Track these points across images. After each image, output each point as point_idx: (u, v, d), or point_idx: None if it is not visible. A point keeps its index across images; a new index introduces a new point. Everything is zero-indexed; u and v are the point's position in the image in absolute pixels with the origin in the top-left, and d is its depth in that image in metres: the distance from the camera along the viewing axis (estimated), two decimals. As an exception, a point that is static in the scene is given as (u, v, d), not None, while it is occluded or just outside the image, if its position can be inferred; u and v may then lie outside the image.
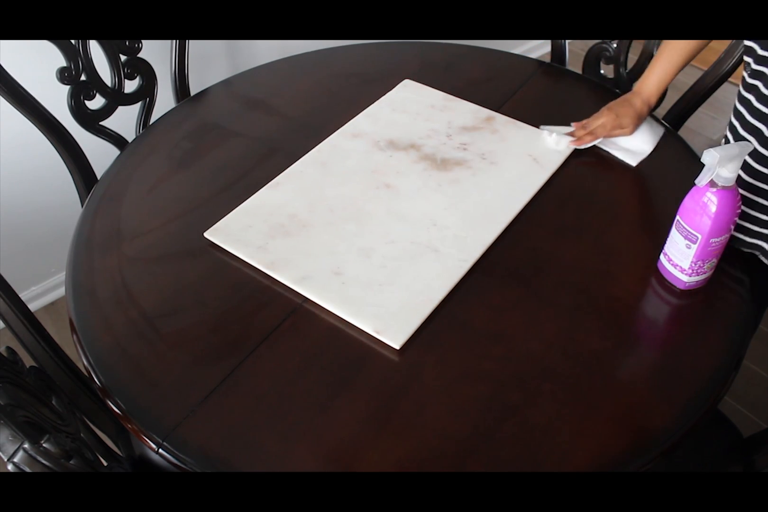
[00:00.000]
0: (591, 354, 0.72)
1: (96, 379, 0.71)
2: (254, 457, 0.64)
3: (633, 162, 0.93)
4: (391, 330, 0.73)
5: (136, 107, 1.15)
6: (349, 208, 0.87)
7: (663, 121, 1.04)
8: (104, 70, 1.08)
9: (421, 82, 1.09)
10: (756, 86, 0.75)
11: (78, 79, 1.04)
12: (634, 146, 0.95)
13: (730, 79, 1.07)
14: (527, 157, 0.95)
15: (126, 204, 0.91)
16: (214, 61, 1.49)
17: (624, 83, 1.19)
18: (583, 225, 0.86)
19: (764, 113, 0.74)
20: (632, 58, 1.17)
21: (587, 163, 0.95)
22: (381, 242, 0.82)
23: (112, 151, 1.06)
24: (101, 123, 1.10)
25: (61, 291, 1.58)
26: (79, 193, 1.12)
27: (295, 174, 0.92)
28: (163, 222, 0.88)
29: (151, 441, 0.65)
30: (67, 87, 1.04)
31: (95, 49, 1.04)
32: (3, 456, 0.51)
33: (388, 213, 0.86)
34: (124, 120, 1.14)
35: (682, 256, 0.74)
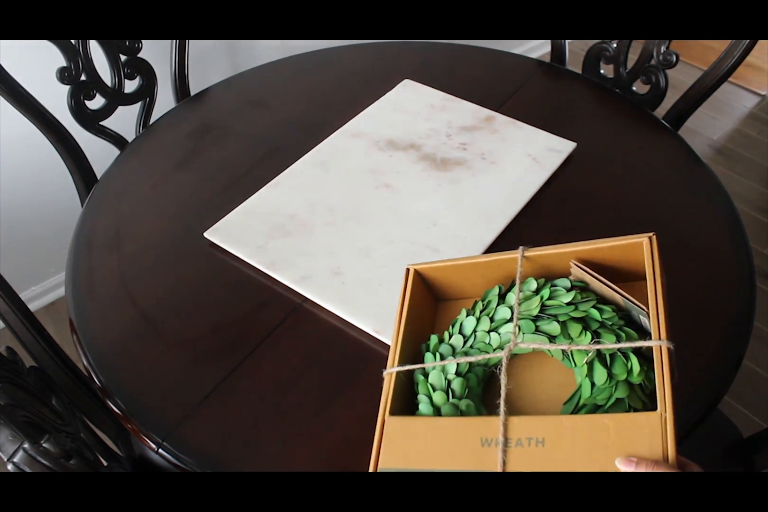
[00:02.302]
0: (591, 354, 0.72)
1: (96, 379, 0.71)
2: (254, 457, 0.64)
3: None
4: (391, 330, 0.73)
5: (136, 107, 1.15)
6: (349, 208, 0.87)
7: (663, 121, 1.04)
8: (104, 70, 1.08)
9: (421, 82, 1.09)
10: None
11: (78, 79, 1.04)
12: None
13: (730, 79, 1.07)
14: (527, 157, 0.95)
15: (126, 204, 0.91)
16: (214, 61, 1.49)
17: (624, 83, 1.19)
18: (583, 225, 0.86)
19: None
20: (632, 58, 1.17)
21: (588, 163, 0.95)
22: (381, 242, 0.82)
23: (112, 151, 1.06)
24: (101, 123, 1.10)
25: (61, 291, 1.58)
26: (79, 193, 1.12)
27: (295, 174, 0.92)
28: (163, 222, 0.88)
29: (151, 441, 0.65)
30: (67, 87, 1.04)
31: (95, 49, 1.04)
32: (3, 456, 0.51)
33: (388, 213, 0.86)
34: (124, 120, 1.15)
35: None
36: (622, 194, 0.91)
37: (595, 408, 0.55)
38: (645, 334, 0.57)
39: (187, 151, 0.99)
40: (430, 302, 0.70)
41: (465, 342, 0.63)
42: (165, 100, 1.20)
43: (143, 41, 1.11)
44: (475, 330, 0.63)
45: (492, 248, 0.82)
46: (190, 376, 0.70)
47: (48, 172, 1.36)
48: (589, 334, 0.57)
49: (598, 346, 0.55)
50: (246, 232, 0.84)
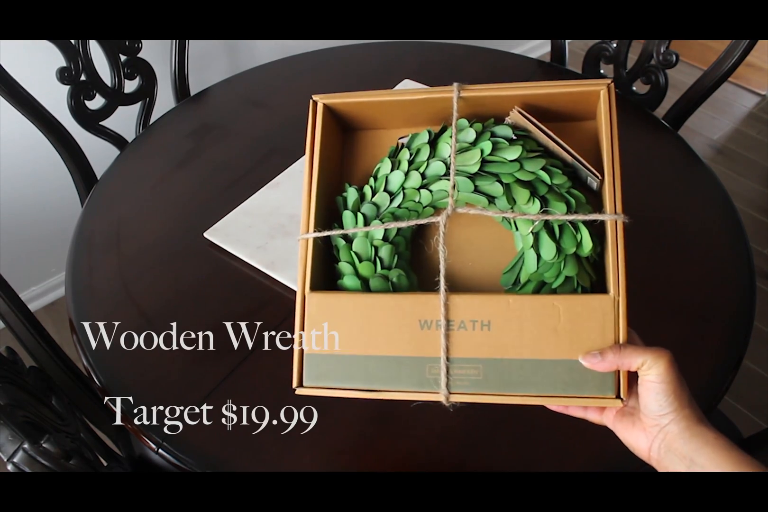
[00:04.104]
0: (591, 354, 0.72)
1: (96, 379, 0.71)
2: (254, 457, 0.64)
3: None
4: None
5: (136, 107, 1.15)
6: (349, 208, 0.87)
7: (663, 121, 1.04)
8: (104, 70, 1.08)
9: (421, 82, 1.09)
10: None
11: (78, 79, 1.04)
12: None
13: (730, 79, 1.07)
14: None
15: (126, 204, 0.91)
16: (214, 61, 1.49)
17: (624, 83, 1.19)
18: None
19: None
20: (632, 58, 1.17)
21: (587, 163, 0.95)
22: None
23: (112, 151, 1.06)
24: (101, 123, 1.10)
25: (61, 292, 1.58)
26: (79, 193, 1.12)
27: (295, 174, 0.92)
28: (163, 222, 0.88)
29: (151, 441, 0.65)
30: (67, 87, 1.04)
31: (95, 49, 1.04)
32: (3, 456, 0.51)
33: (388, 213, 0.86)
34: (124, 120, 1.15)
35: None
36: (621, 194, 0.91)
37: (542, 286, 0.51)
38: (594, 197, 0.52)
39: (187, 151, 0.99)
40: (337, 136, 0.59)
41: (391, 201, 0.54)
42: (165, 100, 1.20)
43: (143, 41, 1.11)
44: (403, 187, 0.54)
45: (492, 248, 0.82)
46: (190, 376, 0.70)
47: (48, 172, 1.36)
48: (537, 202, 0.51)
49: (547, 217, 0.49)
50: (246, 232, 0.84)
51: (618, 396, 0.47)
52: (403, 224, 0.52)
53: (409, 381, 0.49)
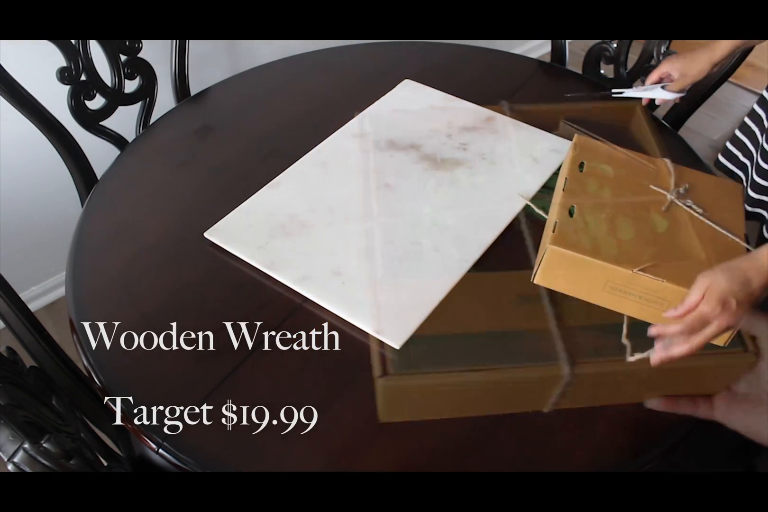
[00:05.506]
0: (591, 354, 0.72)
1: (96, 379, 0.71)
2: (254, 457, 0.64)
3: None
4: (391, 330, 0.73)
5: (136, 107, 1.15)
6: (349, 207, 0.87)
7: (663, 121, 1.04)
8: (104, 70, 1.08)
9: (421, 82, 1.09)
10: None
11: (78, 79, 1.04)
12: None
13: (730, 79, 1.07)
14: (527, 157, 0.95)
15: (126, 204, 0.91)
16: (214, 61, 1.49)
17: (624, 83, 1.19)
18: (583, 225, 0.86)
19: None
20: (632, 58, 1.17)
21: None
22: (381, 242, 0.82)
23: (112, 151, 1.06)
24: (101, 123, 1.10)
25: (61, 291, 1.58)
26: (79, 193, 1.12)
27: (295, 174, 0.92)
28: (163, 222, 0.88)
29: (151, 441, 0.65)
30: (67, 87, 1.04)
31: (95, 49, 1.04)
32: (3, 456, 0.51)
33: (388, 213, 0.86)
34: (124, 120, 1.14)
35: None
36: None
37: None
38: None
39: (187, 151, 0.99)
40: None
41: None
42: (165, 100, 1.20)
43: (143, 41, 1.11)
44: None
45: (492, 248, 0.82)
46: (190, 376, 0.70)
47: (48, 172, 1.36)
48: None
49: None
50: (246, 232, 0.84)
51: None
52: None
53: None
